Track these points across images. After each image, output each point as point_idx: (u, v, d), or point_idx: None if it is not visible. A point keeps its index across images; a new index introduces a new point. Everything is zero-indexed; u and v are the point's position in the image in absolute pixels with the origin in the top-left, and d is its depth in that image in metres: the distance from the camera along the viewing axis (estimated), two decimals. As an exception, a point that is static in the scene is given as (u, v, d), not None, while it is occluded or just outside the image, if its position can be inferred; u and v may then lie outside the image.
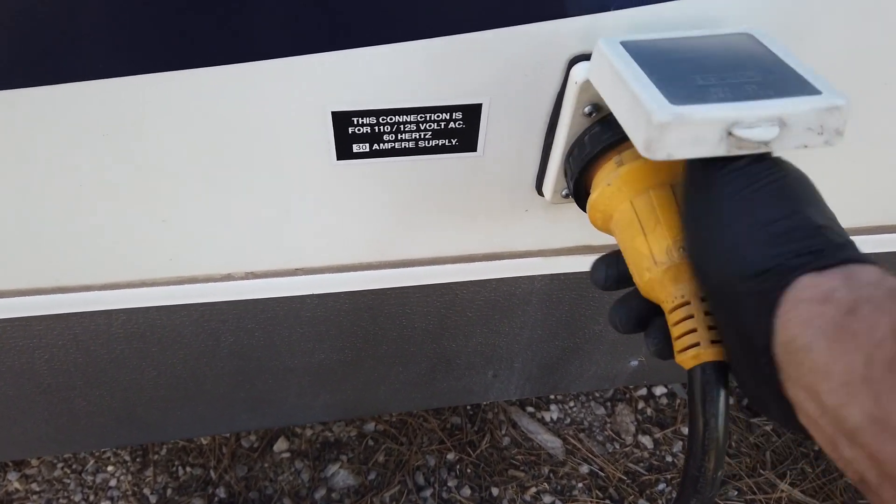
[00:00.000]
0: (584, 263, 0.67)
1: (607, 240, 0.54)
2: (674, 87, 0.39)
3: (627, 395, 1.84)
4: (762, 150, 0.38)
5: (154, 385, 0.72)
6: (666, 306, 0.44)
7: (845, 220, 0.37)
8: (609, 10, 0.45)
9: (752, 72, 0.41)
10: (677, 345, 0.44)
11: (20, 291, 0.59)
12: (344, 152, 0.52)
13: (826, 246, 0.36)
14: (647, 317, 0.47)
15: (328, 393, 0.81)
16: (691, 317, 0.43)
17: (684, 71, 0.41)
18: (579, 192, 0.52)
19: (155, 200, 0.53)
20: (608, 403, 1.86)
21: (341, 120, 0.50)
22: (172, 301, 0.61)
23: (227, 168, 0.52)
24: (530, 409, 1.84)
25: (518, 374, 0.85)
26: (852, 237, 0.37)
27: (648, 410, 1.84)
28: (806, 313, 0.33)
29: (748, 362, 0.37)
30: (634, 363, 0.88)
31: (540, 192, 0.59)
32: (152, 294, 0.60)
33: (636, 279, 0.46)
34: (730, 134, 0.37)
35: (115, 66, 0.44)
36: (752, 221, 0.37)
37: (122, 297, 0.60)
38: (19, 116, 0.45)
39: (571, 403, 1.85)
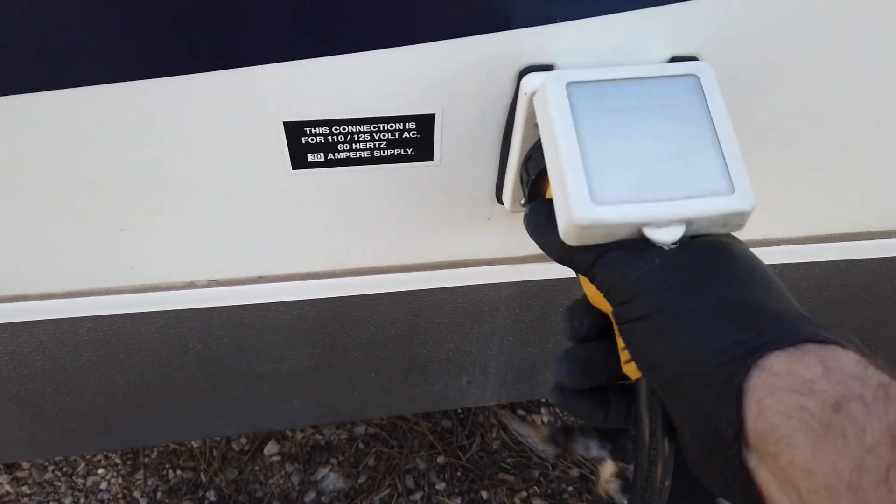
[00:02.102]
0: (549, 271, 0.67)
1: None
2: (600, 173, 0.41)
3: None
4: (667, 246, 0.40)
5: (124, 392, 0.73)
6: (614, 317, 0.44)
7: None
8: (555, 21, 0.45)
9: (677, 152, 0.43)
10: (623, 356, 0.44)
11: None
12: (299, 162, 0.52)
13: (786, 322, 0.35)
14: (597, 328, 0.46)
15: (301, 398, 0.81)
16: None
17: (615, 146, 0.43)
18: (538, 196, 0.52)
19: (112, 211, 0.53)
20: None
21: (294, 130, 0.50)
22: (136, 309, 0.62)
23: (182, 178, 0.52)
24: (521, 412, 1.84)
25: (493, 380, 0.85)
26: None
27: (640, 414, 1.83)
28: (785, 403, 0.31)
29: (712, 448, 0.35)
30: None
31: (500, 201, 0.59)
32: (115, 302, 0.61)
33: (586, 288, 0.46)
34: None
35: (70, 76, 0.44)
36: (702, 300, 0.36)
37: (85, 305, 0.60)
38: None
39: (563, 407, 1.85)
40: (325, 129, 0.50)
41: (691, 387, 0.35)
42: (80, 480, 1.68)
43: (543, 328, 0.76)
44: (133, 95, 0.46)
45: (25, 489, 1.65)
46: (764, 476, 0.33)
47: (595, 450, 0.57)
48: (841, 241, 0.69)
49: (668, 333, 0.36)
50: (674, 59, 0.49)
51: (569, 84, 0.45)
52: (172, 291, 0.61)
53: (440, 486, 1.71)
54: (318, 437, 1.77)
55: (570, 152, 0.42)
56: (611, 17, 0.46)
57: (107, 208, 0.53)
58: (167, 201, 0.53)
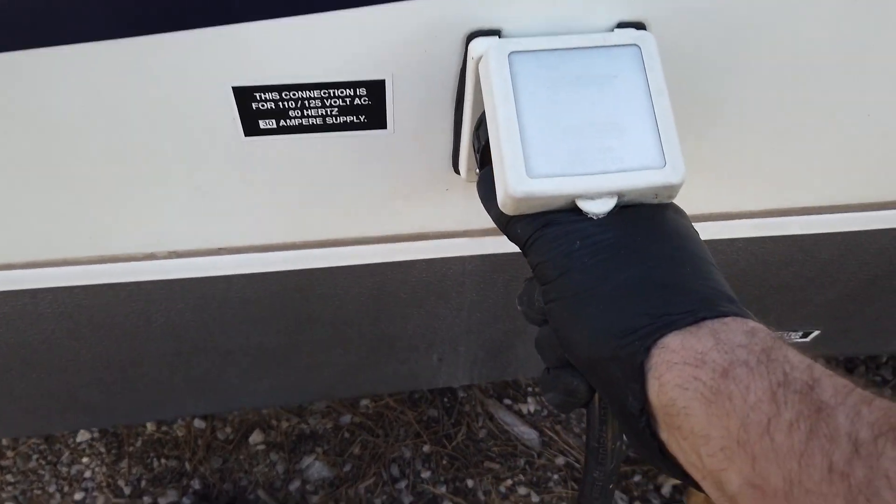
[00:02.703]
0: (512, 244, 0.67)
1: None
2: (537, 145, 0.43)
3: None
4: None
5: (91, 367, 0.73)
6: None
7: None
8: (499, -18, 0.45)
9: (614, 124, 0.44)
10: None
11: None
12: (251, 129, 0.52)
13: (689, 301, 0.37)
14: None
15: (271, 377, 0.81)
16: None
17: (553, 118, 0.44)
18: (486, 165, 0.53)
19: (65, 180, 0.53)
20: (585, 396, 1.86)
21: (243, 95, 0.50)
22: (97, 280, 0.62)
23: (134, 146, 0.52)
24: (507, 401, 1.84)
25: (464, 357, 0.86)
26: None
27: (625, 403, 1.84)
28: (681, 376, 0.33)
29: (628, 424, 0.37)
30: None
31: (456, 170, 0.59)
32: (75, 273, 0.61)
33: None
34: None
35: (10, 39, 0.44)
36: (612, 282, 0.38)
37: (44, 276, 0.60)
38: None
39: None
40: (275, 95, 0.50)
41: (602, 367, 0.37)
42: (65, 469, 1.68)
43: (510, 304, 0.77)
44: (78, 60, 0.46)
45: (10, 477, 1.65)
46: (674, 448, 0.35)
47: None
48: (802, 214, 0.69)
49: (581, 315, 0.38)
50: (621, 25, 0.50)
51: (511, 54, 0.45)
52: (132, 263, 0.61)
53: (425, 474, 1.72)
54: (304, 426, 1.77)
55: (509, 124, 0.43)
56: (553, -21, 0.46)
57: (60, 179, 0.53)
58: (121, 171, 0.54)
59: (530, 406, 1.84)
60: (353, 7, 0.46)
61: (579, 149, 0.43)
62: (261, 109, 0.51)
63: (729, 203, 0.68)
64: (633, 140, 0.44)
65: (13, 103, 0.48)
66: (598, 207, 0.42)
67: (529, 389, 1.85)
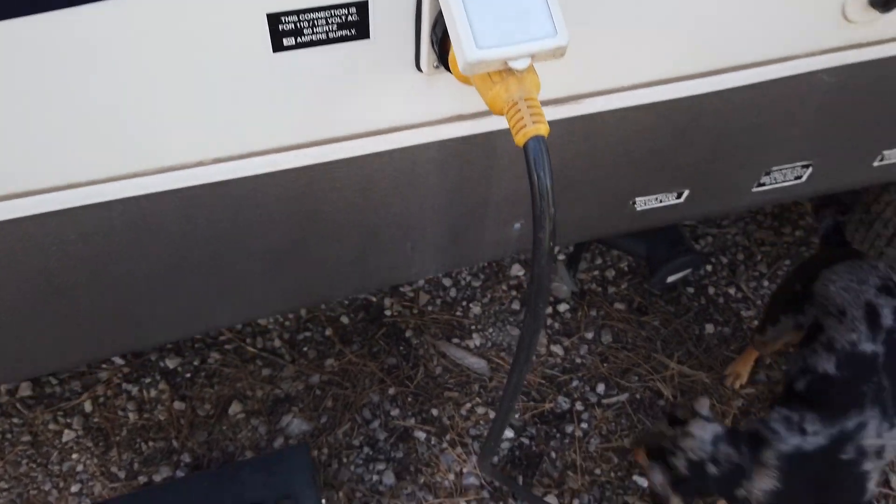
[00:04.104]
0: (462, 129, 0.92)
1: (482, 107, 0.78)
2: (478, 25, 0.67)
3: (535, 315, 2.12)
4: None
5: (146, 278, 0.91)
6: (505, 110, 0.69)
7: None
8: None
9: (524, 6, 0.68)
10: (514, 132, 0.69)
11: (35, 191, 0.76)
12: (277, 46, 0.74)
13: None
14: None
15: (285, 277, 1.02)
16: (520, 110, 0.68)
17: (487, 6, 0.67)
18: (444, 54, 0.77)
19: (137, 102, 0.73)
20: (521, 325, 2.13)
21: (274, 20, 0.72)
22: (158, 188, 0.81)
23: (191, 69, 0.73)
24: (455, 340, 2.08)
25: (431, 244, 1.09)
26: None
27: (556, 325, 2.12)
28: None
29: None
30: (518, 226, 1.14)
31: (419, 68, 0.83)
32: (141, 183, 0.80)
33: (486, 101, 0.71)
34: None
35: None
36: None
37: (118, 189, 0.79)
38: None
39: (490, 330, 2.11)
40: (296, 17, 0.73)
41: None
42: (56, 467, 1.77)
43: (462, 186, 1.01)
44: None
45: (3, 484, 1.72)
46: None
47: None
48: (660, 84, 0.98)
49: None
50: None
51: None
52: (185, 171, 0.81)
53: (394, 412, 1.93)
54: (277, 391, 1.94)
55: (459, 10, 0.67)
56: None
57: (132, 100, 0.73)
58: (182, 88, 0.74)
59: (475, 341, 2.09)
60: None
61: (506, 27, 0.69)
62: (284, 30, 0.73)
63: (605, 81, 0.95)
64: (536, 17, 0.69)
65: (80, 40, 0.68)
66: (520, 65, 0.68)
67: (472, 327, 2.11)
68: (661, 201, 1.21)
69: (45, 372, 1.31)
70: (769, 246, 2.38)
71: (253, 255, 0.95)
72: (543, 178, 0.69)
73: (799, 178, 1.29)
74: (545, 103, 0.81)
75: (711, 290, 2.24)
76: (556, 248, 2.02)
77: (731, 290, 2.25)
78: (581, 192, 1.11)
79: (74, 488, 1.73)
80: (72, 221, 0.80)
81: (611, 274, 2.26)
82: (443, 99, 0.87)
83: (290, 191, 0.89)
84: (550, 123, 0.70)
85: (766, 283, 2.27)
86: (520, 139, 0.68)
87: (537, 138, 0.68)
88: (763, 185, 1.27)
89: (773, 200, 1.35)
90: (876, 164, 1.33)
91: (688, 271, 1.76)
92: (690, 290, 2.23)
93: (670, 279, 1.74)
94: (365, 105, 0.84)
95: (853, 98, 1.11)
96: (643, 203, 1.20)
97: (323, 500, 1.48)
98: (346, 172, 0.90)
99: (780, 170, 1.25)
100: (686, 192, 1.22)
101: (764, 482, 1.23)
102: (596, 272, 2.26)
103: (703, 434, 1.28)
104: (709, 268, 2.30)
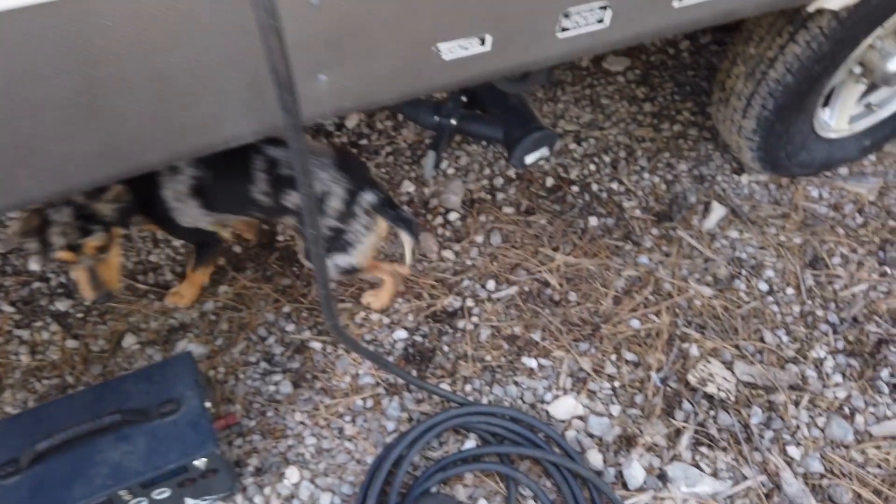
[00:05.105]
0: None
1: None
2: None
3: (427, 225, 2.18)
4: None
5: None
6: None
7: None
8: None
9: None
10: None
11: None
12: None
13: None
14: None
15: (86, 137, 1.05)
16: None
17: None
18: None
19: None
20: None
21: None
22: None
23: None
24: (347, 256, 2.13)
25: (235, 99, 1.13)
26: None
27: (447, 233, 2.18)
28: None
29: None
30: (323, 78, 1.18)
31: None
32: None
33: None
34: None
35: None
36: None
37: None
38: None
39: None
40: None
41: None
42: (-52, 414, 1.78)
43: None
44: None
45: None
46: None
47: None
48: None
49: None
50: None
51: None
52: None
53: (290, 328, 1.96)
54: (172, 321, 1.96)
55: None
56: None
57: None
58: None
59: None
60: None
61: None
62: None
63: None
64: None
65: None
66: None
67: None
68: (466, 48, 1.26)
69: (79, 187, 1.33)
70: (649, 142, 2.46)
71: (42, 110, 0.98)
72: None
73: (601, 21, 1.35)
74: None
75: (595, 187, 2.32)
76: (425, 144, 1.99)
77: (614, 185, 2.33)
78: (376, 38, 1.15)
79: (-33, 430, 1.74)
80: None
81: (499, 182, 2.33)
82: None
83: (57, 31, 0.92)
84: None
85: (646, 176, 2.35)
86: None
87: None
88: (567, 29, 1.33)
89: (585, 49, 1.41)
90: (676, 4, 1.40)
91: (545, 150, 1.82)
92: (575, 188, 2.30)
93: (529, 159, 1.80)
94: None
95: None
96: (448, 51, 1.25)
97: (207, 403, 1.51)
98: (112, 6, 0.93)
99: (579, 12, 1.31)
100: (489, 38, 1.27)
101: None
102: (485, 181, 2.32)
103: None
104: (592, 167, 2.38)
